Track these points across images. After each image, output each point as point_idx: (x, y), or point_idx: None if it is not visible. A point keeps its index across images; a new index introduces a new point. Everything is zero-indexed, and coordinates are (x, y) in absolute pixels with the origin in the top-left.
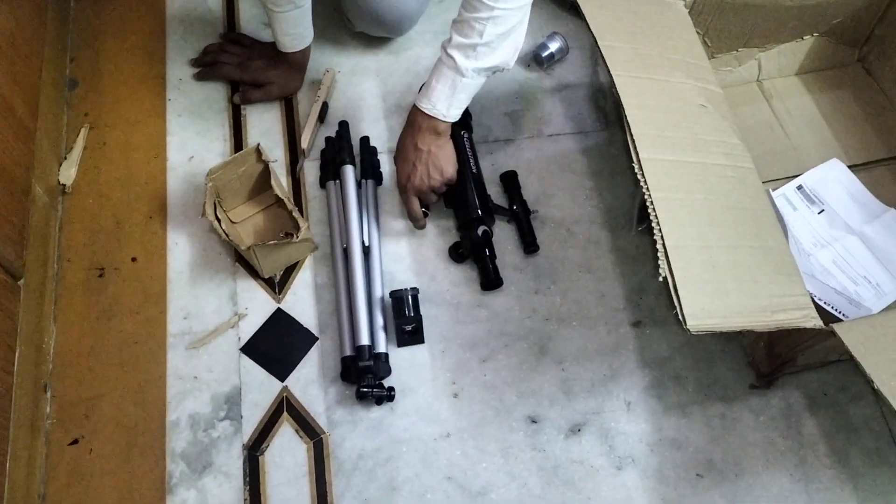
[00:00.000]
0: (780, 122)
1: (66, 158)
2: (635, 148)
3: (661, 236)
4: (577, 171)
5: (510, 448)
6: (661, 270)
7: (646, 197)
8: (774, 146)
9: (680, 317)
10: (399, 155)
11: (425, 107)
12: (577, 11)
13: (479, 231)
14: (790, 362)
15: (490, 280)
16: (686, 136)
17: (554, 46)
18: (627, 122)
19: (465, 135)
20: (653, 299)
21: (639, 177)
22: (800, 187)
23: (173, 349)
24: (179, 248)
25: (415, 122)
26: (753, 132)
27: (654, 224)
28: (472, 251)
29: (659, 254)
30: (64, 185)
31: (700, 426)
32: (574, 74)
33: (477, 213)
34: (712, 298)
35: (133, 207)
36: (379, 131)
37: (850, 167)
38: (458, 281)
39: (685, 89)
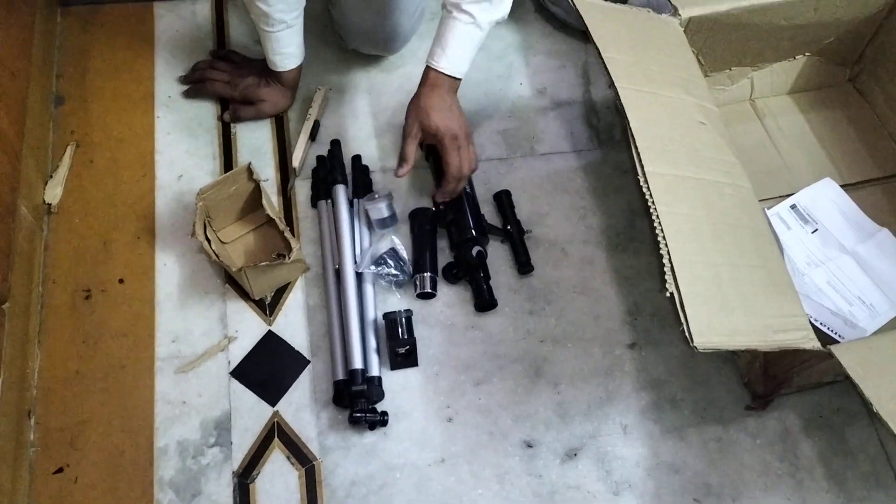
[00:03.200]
0: (772, 140)
1: (51, 177)
2: (640, 161)
3: (668, 251)
4: (571, 190)
5: (506, 474)
6: (667, 286)
7: (651, 210)
8: (768, 165)
9: (686, 333)
10: (435, 118)
11: (444, 67)
12: (567, 30)
13: (474, 251)
14: (786, 383)
15: (484, 301)
16: (687, 151)
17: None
18: (632, 134)
19: None
20: (648, 320)
21: (644, 190)
22: (793, 206)
23: (161, 373)
24: (168, 269)
25: (436, 83)
26: (747, 151)
27: (659, 239)
28: (467, 272)
29: (665, 269)
30: (49, 205)
31: (697, 450)
32: (566, 93)
33: (471, 233)
34: (717, 316)
35: (120, 227)
36: (371, 150)
37: (842, 186)
38: (451, 302)
39: (685, 105)
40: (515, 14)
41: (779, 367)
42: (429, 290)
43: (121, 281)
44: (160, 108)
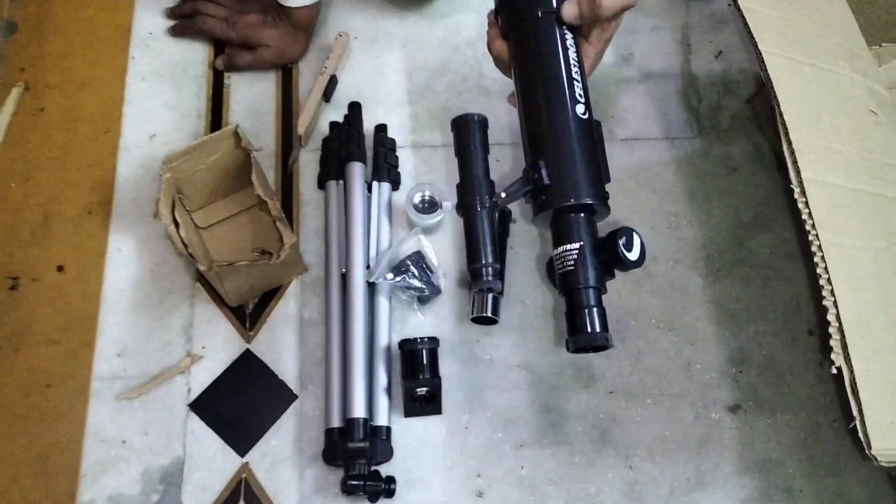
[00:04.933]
0: None
1: None
2: (795, 163)
3: (835, 302)
4: (660, 189)
5: None
6: (833, 357)
7: (810, 238)
8: None
9: (861, 435)
10: None
11: None
12: None
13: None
14: None
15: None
16: (859, 153)
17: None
18: (783, 123)
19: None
20: (756, 375)
21: (801, 206)
22: None
23: (98, 398)
24: (123, 257)
25: None
26: None
27: (822, 282)
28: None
29: (831, 329)
30: None
31: None
32: (659, 62)
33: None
34: None
35: (68, 197)
36: (400, 119)
37: None
38: (492, 328)
39: (852, 86)
40: None
41: None
42: (490, 315)
43: (60, 268)
44: (137, 46)
